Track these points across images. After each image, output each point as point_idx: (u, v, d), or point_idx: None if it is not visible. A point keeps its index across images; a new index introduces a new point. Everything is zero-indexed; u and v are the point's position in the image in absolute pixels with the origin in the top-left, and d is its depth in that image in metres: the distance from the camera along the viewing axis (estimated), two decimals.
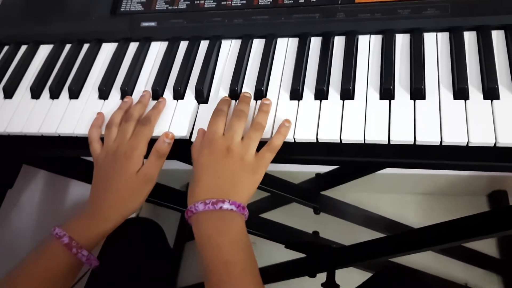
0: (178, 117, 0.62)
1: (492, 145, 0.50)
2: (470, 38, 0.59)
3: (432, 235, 0.82)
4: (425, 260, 1.25)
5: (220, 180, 0.55)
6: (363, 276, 0.92)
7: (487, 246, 1.29)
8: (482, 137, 0.50)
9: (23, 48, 0.76)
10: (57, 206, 1.02)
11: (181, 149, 0.61)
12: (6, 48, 0.76)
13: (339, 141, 0.55)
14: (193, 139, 0.60)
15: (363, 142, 0.54)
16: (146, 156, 0.60)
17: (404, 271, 0.93)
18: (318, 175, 1.16)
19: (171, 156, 0.61)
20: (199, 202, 0.53)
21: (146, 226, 0.88)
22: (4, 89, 0.70)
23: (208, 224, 0.53)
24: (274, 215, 1.15)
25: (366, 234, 1.20)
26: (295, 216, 1.30)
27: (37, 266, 0.55)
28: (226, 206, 0.53)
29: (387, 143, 0.53)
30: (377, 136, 0.53)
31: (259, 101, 0.60)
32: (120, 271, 0.78)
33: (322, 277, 0.98)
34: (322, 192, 1.16)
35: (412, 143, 0.53)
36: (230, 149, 0.55)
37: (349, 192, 1.38)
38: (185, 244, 1.47)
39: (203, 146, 0.57)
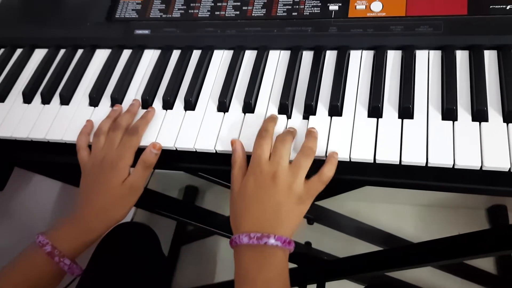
0: (166, 128, 0.62)
1: (478, 168, 0.50)
2: (462, 58, 0.58)
3: (428, 251, 0.82)
4: (421, 275, 1.24)
5: (266, 213, 0.52)
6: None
7: (484, 262, 1.27)
8: (468, 160, 0.50)
9: (18, 51, 0.76)
10: (49, 210, 1.02)
11: (168, 159, 0.61)
12: (1, 51, 0.76)
13: (324, 158, 0.54)
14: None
15: (348, 160, 0.54)
16: (133, 165, 0.60)
17: (396, 286, 0.92)
18: None
19: (159, 166, 0.61)
20: (244, 235, 0.51)
21: (139, 231, 0.88)
22: None
23: (248, 258, 0.52)
24: None
25: (361, 246, 1.20)
26: None
27: (19, 273, 0.55)
28: (271, 241, 0.50)
29: (372, 162, 0.53)
30: (362, 154, 0.53)
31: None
32: (111, 277, 0.78)
33: None
34: (317, 202, 1.15)
35: (398, 163, 0.52)
36: (277, 175, 0.52)
37: (346, 201, 1.37)
38: (181, 247, 1.47)
39: (249, 172, 0.54)
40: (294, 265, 1.02)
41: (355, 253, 0.94)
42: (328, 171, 0.53)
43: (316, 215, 1.13)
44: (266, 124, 0.57)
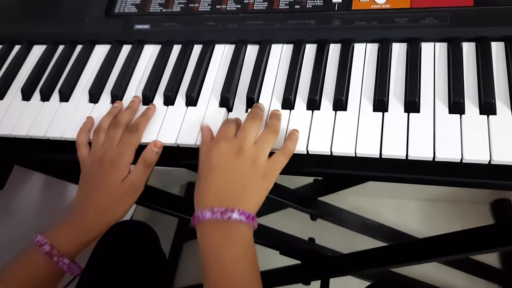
0: (167, 124, 0.61)
1: (487, 163, 0.49)
2: (468, 49, 0.57)
3: (433, 247, 0.81)
4: (425, 270, 1.23)
5: (230, 187, 0.52)
6: (359, 284, 0.91)
7: (488, 256, 1.26)
8: (476, 154, 0.49)
9: (17, 48, 0.75)
10: (49, 208, 1.01)
11: (170, 156, 0.60)
12: None
13: (329, 154, 0.53)
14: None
15: (354, 155, 0.53)
16: (134, 162, 0.59)
17: (402, 282, 0.92)
18: (316, 180, 1.14)
19: (160, 163, 0.60)
20: (207, 210, 0.51)
21: (138, 229, 0.87)
22: None
23: (213, 234, 0.51)
24: (270, 220, 1.14)
25: (365, 242, 1.19)
26: (291, 221, 1.29)
27: (17, 273, 0.55)
28: (235, 216, 0.50)
29: (378, 157, 0.52)
30: (368, 149, 0.52)
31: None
32: (109, 276, 0.77)
33: (316, 284, 0.97)
34: (320, 198, 1.14)
35: (404, 157, 0.51)
36: (242, 150, 0.52)
37: (349, 197, 1.36)
38: (183, 244, 1.46)
39: (213, 146, 0.54)
40: (298, 261, 1.01)
41: (359, 249, 0.93)
42: (291, 145, 0.53)
43: (319, 211, 1.12)
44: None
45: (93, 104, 0.65)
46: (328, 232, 1.25)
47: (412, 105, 0.53)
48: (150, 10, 0.70)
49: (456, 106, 0.52)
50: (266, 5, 0.65)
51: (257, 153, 0.52)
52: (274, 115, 0.56)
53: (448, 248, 0.76)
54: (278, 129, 0.55)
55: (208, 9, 0.67)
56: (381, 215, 1.33)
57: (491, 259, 1.26)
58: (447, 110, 0.53)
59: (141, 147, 0.59)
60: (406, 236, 1.26)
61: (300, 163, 0.55)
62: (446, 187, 1.32)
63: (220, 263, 0.49)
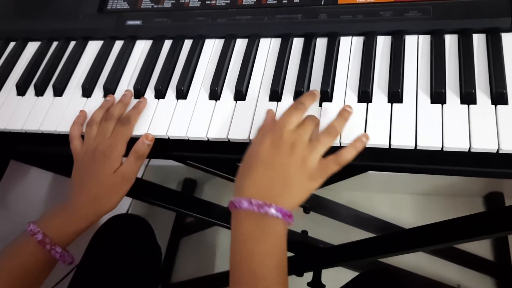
0: (158, 117, 0.62)
1: (467, 150, 0.50)
2: (451, 42, 0.58)
3: (421, 236, 0.82)
4: (417, 261, 1.25)
5: (274, 182, 0.51)
6: (352, 275, 0.92)
7: (481, 248, 1.28)
8: (456, 142, 0.50)
9: (12, 44, 0.76)
10: (45, 202, 1.02)
11: (161, 148, 0.61)
12: None
13: None
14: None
15: (339, 145, 0.54)
16: (126, 155, 0.61)
17: (390, 272, 0.93)
18: None
19: (151, 155, 0.61)
20: (245, 200, 0.50)
21: (132, 223, 0.88)
22: None
23: (247, 226, 0.50)
24: None
25: (357, 234, 1.20)
26: None
27: (10, 261, 0.56)
28: (271, 211, 0.49)
29: None
30: (352, 139, 0.53)
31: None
32: (104, 269, 0.78)
33: (309, 276, 0.98)
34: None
35: (387, 146, 0.52)
36: (295, 145, 0.51)
37: (343, 191, 1.38)
38: (180, 239, 1.48)
39: (267, 135, 0.53)
40: (291, 254, 1.03)
41: (351, 240, 0.95)
42: (346, 153, 0.51)
43: (312, 204, 1.14)
44: (304, 98, 0.55)
45: (86, 98, 0.67)
46: (321, 225, 1.27)
47: (395, 95, 0.55)
48: (142, 6, 0.71)
49: (437, 96, 0.53)
50: (255, 0, 0.67)
51: (309, 153, 0.51)
52: (341, 115, 0.53)
53: (436, 237, 0.78)
54: (340, 132, 0.52)
55: (198, 5, 0.69)
56: (376, 209, 1.34)
57: (483, 251, 1.28)
58: (429, 100, 0.54)
59: (133, 140, 0.60)
60: (399, 229, 1.28)
61: None
62: (440, 180, 1.35)
63: (247, 258, 0.49)
